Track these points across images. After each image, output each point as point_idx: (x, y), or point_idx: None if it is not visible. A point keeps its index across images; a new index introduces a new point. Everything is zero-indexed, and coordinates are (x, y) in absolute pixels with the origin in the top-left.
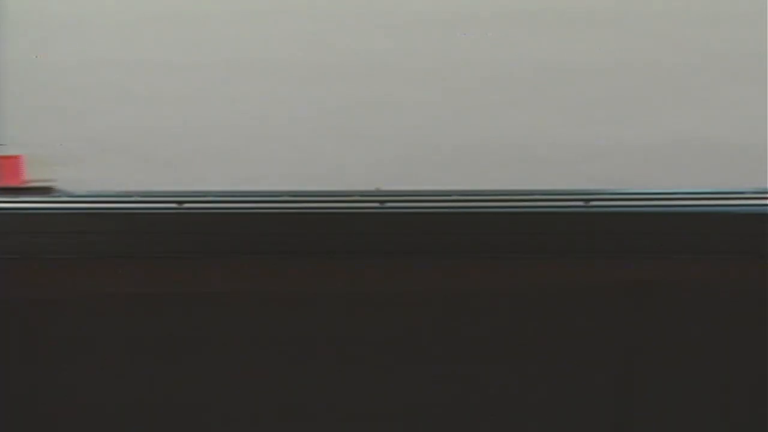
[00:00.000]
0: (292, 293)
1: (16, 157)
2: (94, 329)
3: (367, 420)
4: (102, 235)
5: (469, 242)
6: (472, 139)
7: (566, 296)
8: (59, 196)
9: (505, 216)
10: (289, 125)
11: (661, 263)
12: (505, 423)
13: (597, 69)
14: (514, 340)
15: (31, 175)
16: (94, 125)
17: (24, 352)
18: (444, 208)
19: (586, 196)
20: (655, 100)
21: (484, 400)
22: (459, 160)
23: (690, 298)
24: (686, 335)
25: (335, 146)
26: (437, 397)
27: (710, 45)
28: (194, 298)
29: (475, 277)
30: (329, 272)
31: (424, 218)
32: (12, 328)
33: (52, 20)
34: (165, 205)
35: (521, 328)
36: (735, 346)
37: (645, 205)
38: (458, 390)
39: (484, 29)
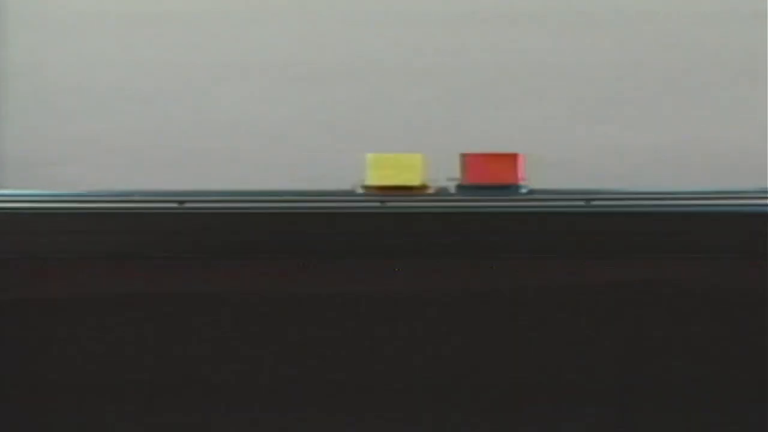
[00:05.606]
0: (292, 293)
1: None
2: (94, 329)
3: (367, 418)
4: (102, 235)
5: (469, 242)
6: (470, 139)
7: (567, 296)
8: (59, 196)
9: (505, 216)
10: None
11: (661, 263)
12: (506, 421)
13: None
14: (514, 340)
15: None
16: (91, 125)
17: (24, 352)
18: (444, 208)
19: (587, 195)
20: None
21: (483, 399)
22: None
23: (690, 298)
24: (686, 335)
25: (332, 146)
26: (438, 395)
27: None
28: (194, 298)
29: (476, 276)
30: (329, 272)
31: (424, 218)
32: (12, 328)
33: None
34: (165, 205)
35: (521, 328)
36: (735, 345)
37: (645, 205)
38: (458, 389)
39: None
